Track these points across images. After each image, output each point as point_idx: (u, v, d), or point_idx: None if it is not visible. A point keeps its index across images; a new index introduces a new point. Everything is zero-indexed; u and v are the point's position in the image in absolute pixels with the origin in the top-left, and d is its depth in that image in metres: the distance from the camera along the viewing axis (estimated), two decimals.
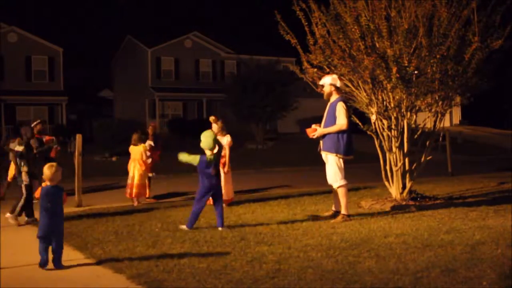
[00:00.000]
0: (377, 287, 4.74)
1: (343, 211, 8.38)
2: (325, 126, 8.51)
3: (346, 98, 10.34)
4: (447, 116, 17.75)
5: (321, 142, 8.60)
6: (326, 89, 8.65)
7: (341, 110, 8.36)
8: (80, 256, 6.34)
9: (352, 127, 8.58)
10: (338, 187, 8.44)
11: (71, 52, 39.90)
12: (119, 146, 23.38)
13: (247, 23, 56.54)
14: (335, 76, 8.78)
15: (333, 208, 8.76)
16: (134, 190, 10.83)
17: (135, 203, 10.80)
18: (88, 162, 17.84)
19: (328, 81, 8.64)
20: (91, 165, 18.32)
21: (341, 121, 8.32)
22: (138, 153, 11.03)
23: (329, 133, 8.42)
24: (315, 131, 8.57)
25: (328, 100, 8.66)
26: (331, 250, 6.13)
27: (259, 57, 35.08)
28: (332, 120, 8.44)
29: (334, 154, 8.40)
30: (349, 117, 8.44)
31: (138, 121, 38.42)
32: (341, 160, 8.42)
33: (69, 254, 6.47)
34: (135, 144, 11.13)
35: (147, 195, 11.58)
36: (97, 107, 45.84)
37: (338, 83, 8.62)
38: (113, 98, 47.03)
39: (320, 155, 8.74)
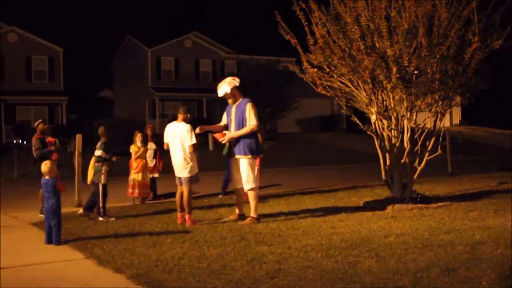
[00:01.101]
0: (377, 287, 4.74)
1: (252, 213, 8.32)
2: (236, 129, 8.40)
3: (346, 98, 10.37)
4: (447, 116, 17.76)
5: (227, 145, 8.51)
6: (229, 96, 8.60)
7: (251, 111, 8.35)
8: (80, 256, 6.34)
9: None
10: (249, 190, 8.38)
11: (71, 52, 39.94)
12: (119, 146, 23.39)
13: (247, 23, 56.51)
14: (228, 79, 8.77)
15: (237, 212, 8.70)
16: (136, 190, 10.90)
17: (137, 203, 10.82)
18: (88, 162, 17.78)
19: (226, 89, 8.60)
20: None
21: (253, 122, 8.30)
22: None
23: (240, 136, 8.33)
24: (224, 136, 8.44)
25: (234, 103, 8.58)
26: (331, 250, 6.13)
27: (259, 57, 35.09)
28: (242, 122, 8.37)
29: (249, 156, 8.31)
30: (258, 117, 8.44)
31: (138, 121, 38.51)
32: (253, 162, 8.42)
33: (69, 254, 6.48)
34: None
35: (149, 195, 11.62)
36: (97, 107, 45.82)
37: (237, 82, 8.67)
38: (113, 98, 47.03)
39: (235, 159, 8.53)
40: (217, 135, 8.59)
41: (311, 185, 14.34)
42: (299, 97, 31.03)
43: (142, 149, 11.32)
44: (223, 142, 8.48)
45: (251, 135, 8.37)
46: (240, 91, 8.67)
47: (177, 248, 6.44)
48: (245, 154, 8.32)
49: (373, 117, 9.81)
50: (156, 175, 11.93)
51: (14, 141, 28.21)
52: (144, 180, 11.11)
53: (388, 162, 9.84)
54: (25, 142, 26.88)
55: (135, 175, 11.02)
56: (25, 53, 34.37)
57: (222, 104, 41.37)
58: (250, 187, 8.36)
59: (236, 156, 8.43)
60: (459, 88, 9.74)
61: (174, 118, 8.63)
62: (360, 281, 4.89)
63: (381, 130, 9.84)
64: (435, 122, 10.00)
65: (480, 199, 10.29)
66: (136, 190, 10.98)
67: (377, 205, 9.49)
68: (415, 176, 9.75)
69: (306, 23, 9.72)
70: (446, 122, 17.40)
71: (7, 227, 8.54)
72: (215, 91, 8.85)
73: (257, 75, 30.51)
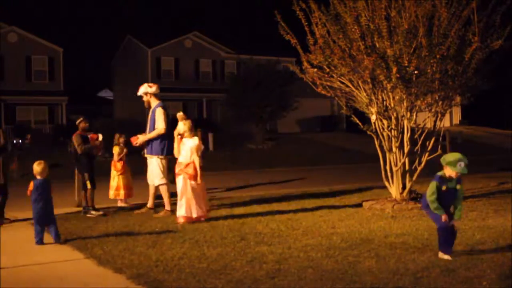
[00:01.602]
0: (377, 287, 4.74)
1: (166, 207, 9.29)
2: (149, 132, 9.49)
3: (346, 98, 10.37)
4: (447, 116, 17.76)
5: (145, 147, 9.54)
6: (144, 99, 9.69)
7: (159, 116, 9.36)
8: (80, 256, 6.34)
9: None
10: (159, 185, 9.39)
11: (71, 52, 39.96)
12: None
13: (247, 23, 56.56)
14: (148, 84, 9.78)
15: (148, 206, 9.66)
16: (122, 192, 10.93)
17: (123, 204, 10.78)
18: None
19: (143, 90, 9.71)
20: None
21: (160, 126, 9.31)
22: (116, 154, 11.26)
23: (150, 139, 9.38)
24: (138, 139, 9.53)
25: (150, 107, 9.62)
26: (331, 250, 6.13)
27: (259, 57, 35.05)
28: (153, 125, 9.32)
29: (157, 156, 9.34)
30: (167, 121, 9.34)
31: (138, 121, 38.52)
32: (162, 161, 9.38)
33: (69, 254, 6.48)
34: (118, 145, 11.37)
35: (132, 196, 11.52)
36: (97, 107, 45.84)
37: (153, 90, 9.63)
38: (113, 98, 47.03)
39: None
40: (132, 138, 9.67)
41: (311, 185, 14.34)
42: (299, 97, 30.99)
43: (125, 150, 11.30)
44: (137, 145, 9.58)
45: (160, 137, 9.33)
46: (156, 97, 9.73)
47: (177, 248, 6.44)
48: (152, 154, 9.40)
49: (373, 117, 9.81)
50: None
51: (14, 141, 28.19)
52: (128, 181, 11.10)
53: (388, 162, 9.84)
54: (25, 142, 26.88)
55: (120, 177, 10.99)
56: (25, 53, 34.38)
57: (222, 104, 41.32)
58: (160, 183, 9.38)
59: (146, 155, 9.57)
60: (459, 88, 9.74)
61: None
62: (360, 281, 4.89)
63: (381, 130, 9.83)
64: (435, 122, 10.00)
65: (480, 199, 10.29)
66: (122, 192, 10.94)
67: (377, 205, 9.49)
68: (415, 176, 9.74)
69: (306, 23, 9.72)
70: (446, 122, 17.41)
71: (7, 227, 8.54)
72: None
73: (257, 75, 30.48)
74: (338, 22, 9.52)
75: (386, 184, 9.98)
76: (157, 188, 9.54)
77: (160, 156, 9.35)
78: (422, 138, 9.89)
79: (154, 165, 9.41)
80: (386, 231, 7.25)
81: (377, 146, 9.99)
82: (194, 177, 8.29)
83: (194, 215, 8.30)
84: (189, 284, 5.01)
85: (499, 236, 6.70)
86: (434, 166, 11.50)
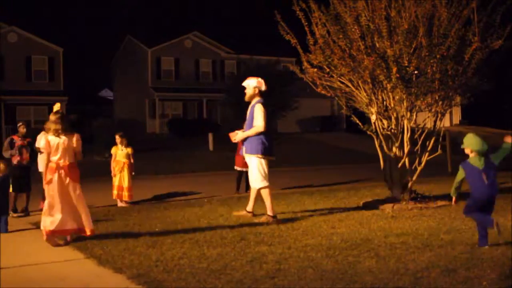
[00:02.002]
0: (377, 287, 4.74)
1: (268, 212, 8.38)
2: (246, 129, 8.76)
3: (346, 98, 10.36)
4: (447, 116, 17.74)
5: (243, 145, 8.81)
6: (249, 91, 8.89)
7: (259, 112, 8.60)
8: (80, 256, 6.34)
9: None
10: (260, 189, 8.49)
11: (71, 52, 39.96)
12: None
13: (247, 23, 56.51)
14: (260, 79, 9.02)
15: (248, 209, 8.85)
16: (127, 193, 10.97)
17: (124, 204, 10.88)
18: (88, 162, 17.84)
19: (252, 84, 8.87)
20: (91, 165, 18.32)
21: (259, 123, 8.53)
22: (124, 155, 11.26)
23: (249, 136, 8.58)
24: (236, 134, 8.81)
25: (249, 102, 8.90)
26: (331, 250, 6.13)
27: (259, 57, 35.08)
28: (252, 122, 8.65)
29: (256, 155, 8.49)
30: (266, 119, 8.64)
31: (138, 121, 38.54)
32: (263, 161, 8.50)
33: (69, 254, 6.48)
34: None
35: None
36: (97, 107, 45.86)
37: (263, 87, 8.95)
38: (113, 98, 47.04)
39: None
40: (231, 134, 8.91)
41: (311, 185, 14.34)
42: (299, 97, 31.01)
43: (125, 150, 11.33)
44: (235, 141, 8.87)
45: (259, 135, 8.51)
46: (260, 94, 8.97)
47: (177, 248, 6.44)
48: (251, 153, 8.53)
49: (373, 117, 9.81)
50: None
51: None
52: (129, 182, 11.15)
53: (388, 162, 9.84)
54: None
55: (121, 178, 11.07)
56: (25, 53, 34.39)
57: (222, 104, 41.29)
58: (260, 186, 8.47)
59: (245, 155, 8.74)
60: (459, 88, 9.74)
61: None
62: (360, 281, 4.89)
63: (381, 130, 9.83)
64: (435, 122, 9.99)
65: None
66: (126, 193, 11.00)
67: (377, 205, 9.49)
68: (415, 176, 9.74)
69: (306, 23, 9.71)
70: (446, 122, 17.38)
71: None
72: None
73: (257, 75, 30.47)
74: (338, 22, 9.52)
75: (386, 184, 9.97)
76: (258, 191, 8.62)
77: (259, 155, 8.51)
78: (422, 138, 9.89)
79: (254, 165, 8.55)
80: (386, 231, 7.24)
81: (377, 146, 9.99)
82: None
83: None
84: (189, 284, 5.01)
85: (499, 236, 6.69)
86: (434, 166, 11.54)
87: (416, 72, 9.02)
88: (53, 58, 35.41)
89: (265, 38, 34.61)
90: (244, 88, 8.99)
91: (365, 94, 9.72)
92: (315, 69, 9.88)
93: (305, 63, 9.95)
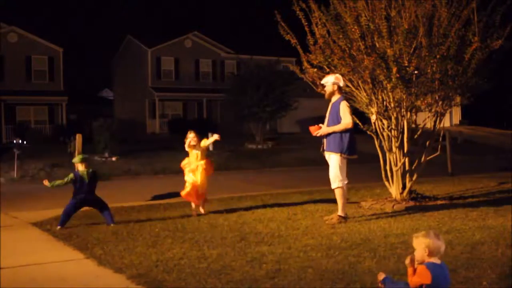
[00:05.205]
0: (377, 287, 4.74)
1: (339, 212, 8.21)
2: (328, 126, 8.33)
3: (346, 98, 10.36)
4: (447, 116, 17.75)
5: (324, 142, 8.43)
6: (329, 88, 8.46)
7: (345, 109, 8.22)
8: (80, 256, 6.34)
9: (354, 127, 8.50)
10: (336, 188, 8.27)
11: (71, 52, 39.95)
12: (119, 146, 23.43)
13: (247, 23, 56.55)
14: (338, 75, 8.62)
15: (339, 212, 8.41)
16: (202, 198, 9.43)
17: (200, 211, 9.39)
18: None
19: (331, 80, 8.44)
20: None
21: (347, 120, 8.14)
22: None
23: (333, 132, 8.24)
24: (319, 129, 8.35)
25: (329, 99, 8.51)
26: (331, 250, 6.13)
27: (259, 57, 35.06)
28: (335, 119, 8.28)
29: (338, 154, 8.21)
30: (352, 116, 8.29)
31: (138, 121, 38.54)
32: (344, 160, 8.25)
33: (69, 254, 6.48)
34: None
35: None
36: (97, 107, 45.86)
37: (342, 83, 8.51)
38: (113, 98, 47.03)
39: (322, 155, 8.61)
40: (312, 128, 8.50)
41: (311, 185, 14.34)
42: (299, 97, 31.00)
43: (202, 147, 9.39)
44: (318, 135, 8.41)
45: (343, 133, 8.21)
46: (340, 90, 8.49)
47: (177, 248, 6.44)
48: (334, 151, 8.25)
49: (373, 117, 9.81)
50: None
51: (14, 141, 28.21)
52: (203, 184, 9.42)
53: (388, 162, 9.84)
54: (25, 142, 26.85)
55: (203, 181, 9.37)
56: (25, 53, 34.37)
57: (222, 104, 41.27)
58: (337, 185, 8.23)
59: (326, 152, 8.42)
60: (459, 88, 9.74)
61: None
62: (360, 281, 4.89)
63: (381, 130, 9.84)
64: (435, 122, 10.00)
65: (480, 199, 10.29)
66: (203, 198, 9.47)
67: (377, 205, 9.49)
68: (415, 176, 9.75)
69: (306, 23, 9.72)
70: (446, 122, 17.38)
71: (7, 227, 8.54)
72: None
73: (257, 75, 30.50)
74: (338, 22, 9.52)
75: (386, 184, 9.97)
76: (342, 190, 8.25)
77: (343, 154, 8.20)
78: (422, 138, 9.89)
79: (334, 163, 8.23)
80: (386, 231, 7.25)
81: (377, 146, 9.99)
82: None
83: None
84: (189, 284, 5.01)
85: (499, 236, 6.71)
86: (434, 166, 11.55)
87: (416, 72, 9.02)
88: (53, 58, 35.38)
89: (265, 38, 34.66)
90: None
91: (365, 94, 9.72)
92: (315, 69, 9.88)
93: (305, 63, 9.95)
